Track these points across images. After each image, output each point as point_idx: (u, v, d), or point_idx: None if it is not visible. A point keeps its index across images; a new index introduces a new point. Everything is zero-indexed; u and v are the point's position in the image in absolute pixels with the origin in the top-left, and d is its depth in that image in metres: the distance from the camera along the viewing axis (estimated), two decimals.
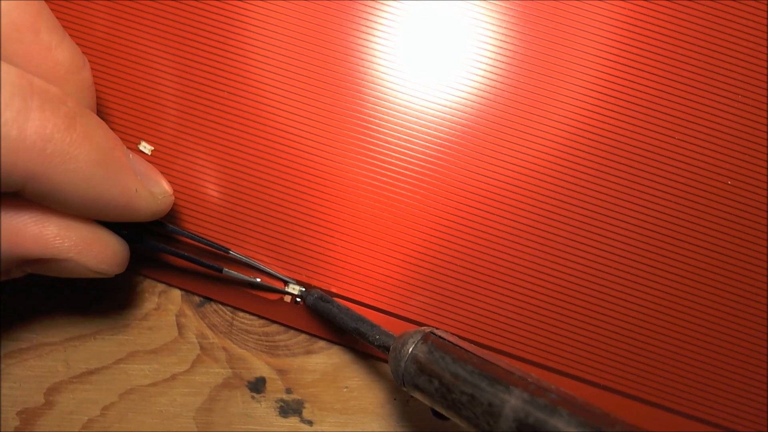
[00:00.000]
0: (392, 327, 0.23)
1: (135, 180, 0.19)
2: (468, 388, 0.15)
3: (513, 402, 0.14)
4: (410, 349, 0.17)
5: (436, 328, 0.18)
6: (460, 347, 0.17)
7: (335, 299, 0.22)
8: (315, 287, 0.23)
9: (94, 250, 0.19)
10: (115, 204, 0.18)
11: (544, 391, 0.14)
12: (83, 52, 0.23)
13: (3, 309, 0.23)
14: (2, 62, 0.16)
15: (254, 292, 0.23)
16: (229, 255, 0.22)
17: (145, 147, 0.23)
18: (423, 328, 0.18)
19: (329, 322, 0.22)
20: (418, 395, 0.17)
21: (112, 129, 0.23)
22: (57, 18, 0.23)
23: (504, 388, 0.15)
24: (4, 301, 0.23)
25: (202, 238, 0.22)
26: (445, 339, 0.17)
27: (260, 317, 0.23)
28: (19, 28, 0.17)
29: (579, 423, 0.13)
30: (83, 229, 0.18)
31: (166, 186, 0.20)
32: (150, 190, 0.19)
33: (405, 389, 0.18)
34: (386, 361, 0.23)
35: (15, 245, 0.17)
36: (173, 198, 0.21)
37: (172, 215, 0.23)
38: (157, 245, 0.21)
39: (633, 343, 0.23)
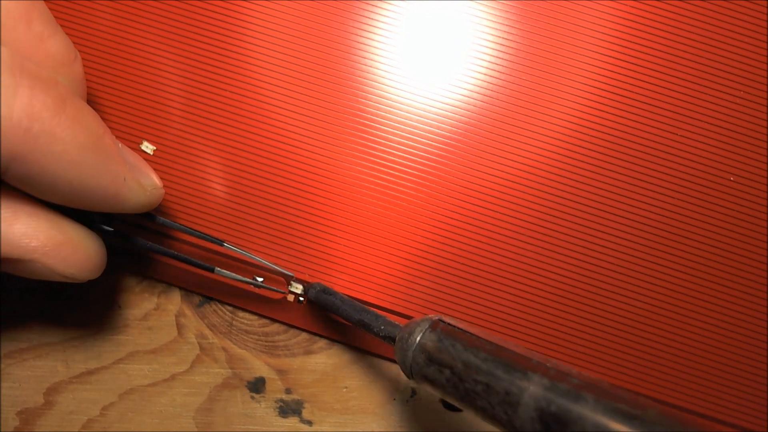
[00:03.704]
0: None
1: (124, 169, 0.18)
2: (482, 376, 0.14)
3: (532, 389, 0.13)
4: (418, 338, 0.16)
5: (445, 315, 0.17)
6: (471, 333, 0.16)
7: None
8: (317, 282, 0.23)
9: (62, 253, 0.18)
10: (102, 193, 0.17)
11: (565, 376, 0.13)
12: (86, 52, 0.23)
13: (3, 309, 0.23)
14: None
15: (255, 290, 0.23)
16: (224, 247, 0.22)
17: (147, 147, 0.23)
18: (430, 315, 0.17)
19: (332, 314, 0.22)
20: (427, 387, 0.16)
21: (114, 129, 0.24)
22: (59, 18, 0.23)
23: (521, 374, 0.13)
24: (4, 301, 0.23)
25: (195, 230, 0.21)
26: (454, 326, 0.16)
27: (261, 316, 0.23)
28: (12, 16, 0.17)
29: (606, 408, 0.12)
30: (53, 229, 0.17)
31: (155, 179, 0.20)
32: (139, 181, 0.19)
33: (413, 381, 0.17)
34: (387, 359, 0.23)
35: None
36: (163, 191, 0.20)
37: (173, 215, 0.23)
38: (146, 243, 0.21)
39: (634, 339, 0.23)
